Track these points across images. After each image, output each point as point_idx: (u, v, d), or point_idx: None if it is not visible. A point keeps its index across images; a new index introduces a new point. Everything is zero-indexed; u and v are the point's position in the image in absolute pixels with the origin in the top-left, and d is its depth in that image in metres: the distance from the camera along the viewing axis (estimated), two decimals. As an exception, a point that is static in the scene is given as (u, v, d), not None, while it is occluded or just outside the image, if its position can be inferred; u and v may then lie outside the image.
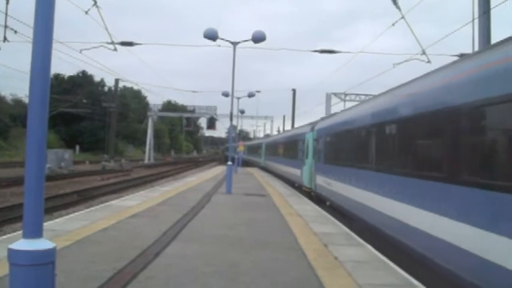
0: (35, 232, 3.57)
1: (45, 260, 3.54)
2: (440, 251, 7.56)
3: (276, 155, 39.03)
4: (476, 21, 15.41)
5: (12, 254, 3.52)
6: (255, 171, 45.15)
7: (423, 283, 7.27)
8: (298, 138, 27.27)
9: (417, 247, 8.45)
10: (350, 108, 17.71)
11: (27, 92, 3.73)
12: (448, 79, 8.12)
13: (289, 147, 31.87)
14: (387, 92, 12.22)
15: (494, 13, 15.44)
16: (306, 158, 23.69)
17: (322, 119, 23.45)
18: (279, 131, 74.67)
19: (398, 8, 18.01)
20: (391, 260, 8.69)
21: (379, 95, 13.27)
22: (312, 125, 24.02)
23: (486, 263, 6.17)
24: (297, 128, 35.53)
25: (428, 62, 19.13)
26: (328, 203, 17.59)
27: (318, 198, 20.05)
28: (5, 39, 19.29)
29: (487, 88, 6.60)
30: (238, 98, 36.12)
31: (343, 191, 14.76)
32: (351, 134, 14.74)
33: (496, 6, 14.78)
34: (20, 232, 3.72)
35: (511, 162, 6.03)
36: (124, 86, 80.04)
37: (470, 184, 6.75)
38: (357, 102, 30.72)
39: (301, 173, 24.73)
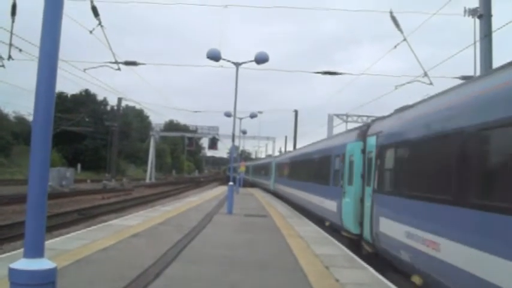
0: (36, 252, 3.55)
1: (46, 280, 3.51)
2: (307, 204, 22.29)
3: (258, 174, 61.15)
4: (478, 44, 15.53)
5: (13, 273, 3.49)
6: (256, 192, 45.07)
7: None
8: (268, 164, 49.89)
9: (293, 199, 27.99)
10: (278, 155, 50.45)
11: (30, 109, 3.74)
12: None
13: (264, 169, 54.14)
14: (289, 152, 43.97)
15: (495, 36, 15.58)
16: (271, 175, 44.22)
17: (274, 156, 54.26)
18: (280, 151, 74.93)
19: (400, 30, 18.15)
20: (393, 283, 8.61)
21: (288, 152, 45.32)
22: (272, 158, 51.65)
23: (325, 209, 17.68)
24: (266, 157, 70.00)
25: (431, 84, 19.19)
26: (273, 192, 41.20)
27: (274, 193, 40.37)
28: (9, 57, 19.42)
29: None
30: (241, 119, 36.24)
31: (283, 187, 34.03)
32: (281, 166, 37.51)
33: (498, 29, 14.92)
34: (20, 250, 3.71)
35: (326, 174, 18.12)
36: (127, 105, 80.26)
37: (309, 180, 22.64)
38: (359, 124, 31.05)
39: (270, 184, 44.86)
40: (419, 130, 9.21)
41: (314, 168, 21.51)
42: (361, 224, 12.86)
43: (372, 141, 12.61)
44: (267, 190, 47.12)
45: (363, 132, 13.97)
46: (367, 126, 14.24)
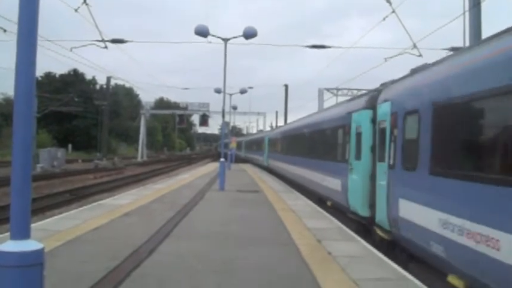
0: (23, 233, 3.51)
1: (34, 261, 3.49)
2: (252, 159, 56.13)
3: (239, 149, 72.97)
4: (467, 14, 15.44)
5: (0, 255, 3.47)
6: (248, 168, 45.15)
7: (417, 278, 7.27)
8: (240, 142, 74.15)
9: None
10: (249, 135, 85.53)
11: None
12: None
13: (239, 145, 72.09)
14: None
15: (484, 6, 15.49)
16: (244, 149, 68.37)
17: (243, 137, 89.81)
18: (271, 126, 75.06)
19: (388, 2, 18.00)
20: (385, 255, 8.69)
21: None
22: (244, 137, 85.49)
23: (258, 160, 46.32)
24: (242, 136, 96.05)
25: (420, 55, 19.13)
26: (243, 159, 65.09)
27: (245, 160, 63.16)
28: (-6, 38, 19.15)
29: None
30: (231, 95, 36.12)
31: (249, 155, 61.44)
32: (247, 144, 68.09)
33: (486, -1, 14.85)
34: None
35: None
36: (116, 84, 79.50)
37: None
38: (348, 97, 31.07)
39: (243, 154, 67.54)
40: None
41: (255, 144, 46.14)
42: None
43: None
44: (240, 158, 67.20)
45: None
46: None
